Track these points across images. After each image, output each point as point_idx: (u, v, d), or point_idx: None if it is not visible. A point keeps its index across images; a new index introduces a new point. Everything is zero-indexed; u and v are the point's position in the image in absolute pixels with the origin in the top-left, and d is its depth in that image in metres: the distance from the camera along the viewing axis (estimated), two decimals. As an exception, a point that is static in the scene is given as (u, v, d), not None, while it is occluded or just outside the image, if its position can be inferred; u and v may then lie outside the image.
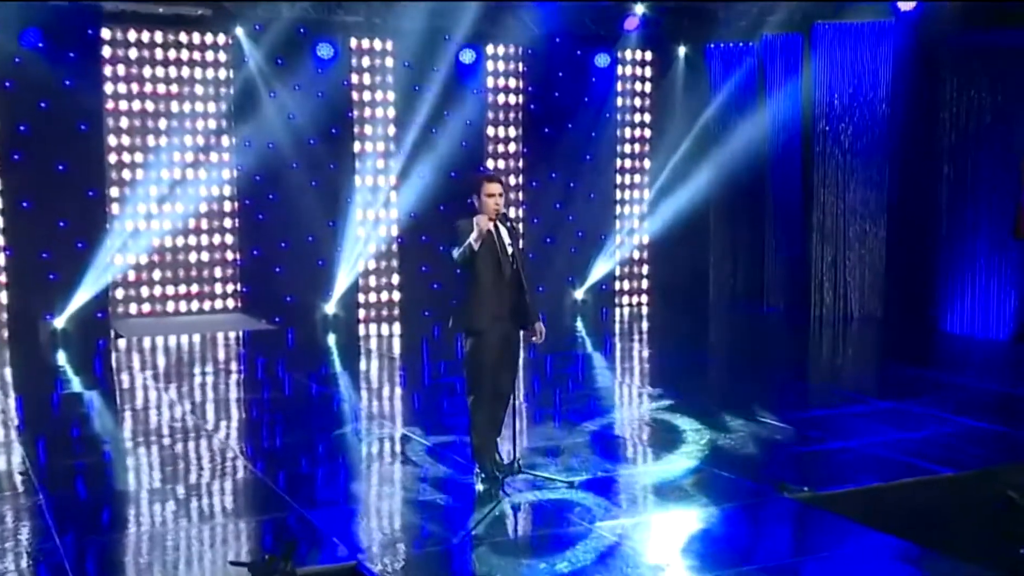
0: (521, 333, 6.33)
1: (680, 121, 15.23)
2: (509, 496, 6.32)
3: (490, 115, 14.47)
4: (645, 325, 14.55)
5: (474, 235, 5.79)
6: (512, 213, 14.44)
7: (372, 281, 14.04)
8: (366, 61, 13.78)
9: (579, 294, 15.15)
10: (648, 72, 15.55)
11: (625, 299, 15.80)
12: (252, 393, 9.79)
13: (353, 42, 13.62)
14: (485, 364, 6.24)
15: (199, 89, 13.35)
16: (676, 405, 8.80)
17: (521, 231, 6.47)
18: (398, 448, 7.64)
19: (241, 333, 12.85)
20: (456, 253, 5.99)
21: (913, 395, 9.17)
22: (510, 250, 6.13)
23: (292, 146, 13.20)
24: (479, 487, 6.44)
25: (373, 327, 13.69)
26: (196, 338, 12.49)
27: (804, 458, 7.34)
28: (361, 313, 13.91)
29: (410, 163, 13.72)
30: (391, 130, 13.82)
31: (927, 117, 12.87)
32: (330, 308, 13.64)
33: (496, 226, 6.13)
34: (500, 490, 6.38)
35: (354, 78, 13.72)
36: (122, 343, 12.24)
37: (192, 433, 8.13)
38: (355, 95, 13.73)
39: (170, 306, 13.43)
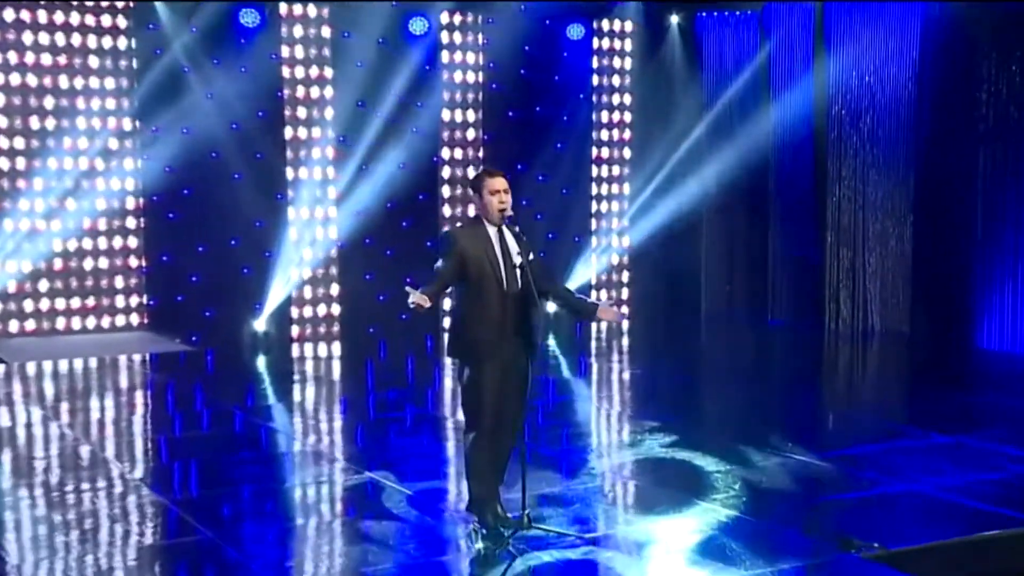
0: (529, 361, 6.08)
1: (668, 103, 15.16)
2: (518, 557, 6.00)
3: (445, 95, 14.20)
4: (628, 342, 14.37)
5: (411, 299, 5.69)
6: (471, 211, 14.21)
7: (308, 292, 13.70)
8: (298, 30, 13.45)
9: (551, 306, 14.52)
10: (629, 45, 15.35)
11: (603, 312, 15.25)
12: (164, 431, 9.45)
13: (283, 8, 13.34)
14: (486, 396, 6.02)
15: (94, 61, 12.95)
16: (690, 440, 8.59)
17: (525, 240, 6.20)
18: (370, 497, 7.28)
19: (148, 355, 12.62)
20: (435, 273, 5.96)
21: (970, 426, 9.05)
22: (518, 260, 5.95)
23: (210, 131, 12.91)
24: (479, 546, 6.12)
25: (309, 347, 13.41)
26: (93, 362, 12.22)
27: (862, 505, 7.05)
28: (295, 330, 13.63)
29: (352, 152, 13.53)
30: (329, 113, 13.54)
31: (961, 98, 12.72)
32: (259, 325, 13.32)
33: (501, 232, 6.00)
34: (506, 550, 6.06)
35: (284, 50, 13.40)
36: (1, 369, 11.91)
37: (89, 484, 7.67)
38: (286, 71, 13.38)
39: (60, 323, 13.06)
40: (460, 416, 9.58)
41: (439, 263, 5.96)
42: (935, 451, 8.30)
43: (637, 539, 6.36)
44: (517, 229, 6.05)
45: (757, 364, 12.66)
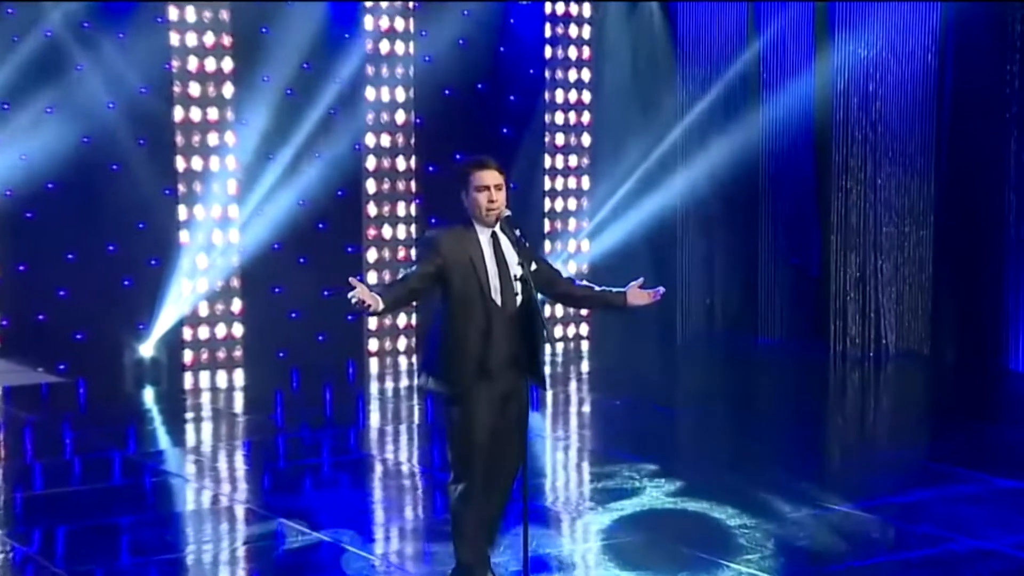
0: (532, 391, 6.19)
1: (637, 80, 15.18)
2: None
3: (369, 70, 13.96)
4: (589, 367, 14.35)
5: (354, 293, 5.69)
6: (401, 210, 14.28)
7: (204, 309, 13.39)
8: (189, -12, 13.38)
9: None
10: (589, 10, 15.33)
11: (558, 330, 15.40)
12: (22, 486, 9.09)
13: (170, -40, 13.28)
14: (477, 440, 5.92)
15: (-73, 21, 12.69)
16: (697, 486, 8.51)
17: (527, 244, 6.25)
18: (296, 564, 7.10)
19: (1, 388, 12.32)
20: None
21: (1034, 467, 9.15)
22: (516, 271, 5.91)
23: (80, 111, 12.53)
24: (470, 625, 6.12)
25: (205, 376, 13.19)
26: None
27: (925, 567, 6.93)
28: (188, 356, 13.33)
29: (256, 139, 13.27)
30: (228, 90, 13.20)
31: (990, 72, 12.63)
32: (145, 350, 13.03)
33: (495, 237, 5.95)
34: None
35: (172, 12, 13.02)
36: None
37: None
38: (174, 37, 12.99)
39: None
40: (390, 456, 9.84)
41: (401, 272, 6.01)
42: (1000, 499, 8.22)
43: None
44: (518, 232, 5.95)
45: (755, 393, 12.58)
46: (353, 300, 5.56)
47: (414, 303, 6.21)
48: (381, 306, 5.63)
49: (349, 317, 12.90)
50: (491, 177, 5.88)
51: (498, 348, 5.88)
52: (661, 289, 6.17)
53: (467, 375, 5.91)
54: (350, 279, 5.61)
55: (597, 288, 6.25)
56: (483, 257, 5.89)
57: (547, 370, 6.35)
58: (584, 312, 15.04)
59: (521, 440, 5.98)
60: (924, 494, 8.28)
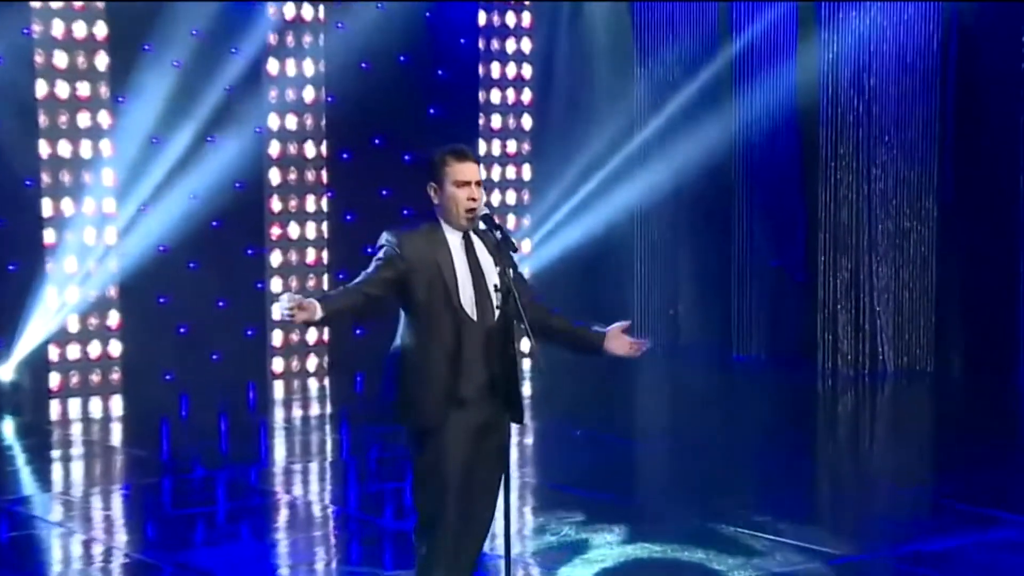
0: (509, 428, 6.08)
1: (588, 51, 15.42)
2: None
3: (271, 39, 13.85)
4: (531, 389, 14.00)
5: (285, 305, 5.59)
6: (311, 205, 14.18)
7: (74, 324, 13.29)
8: (55, -63, 13.19)
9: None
10: None
11: (497, 347, 15.20)
12: None
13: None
14: (449, 482, 5.83)
15: None
16: (682, 532, 8.49)
17: (516, 246, 6.22)
18: None
19: None
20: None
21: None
22: (492, 279, 5.87)
23: None
24: None
25: (76, 404, 13.03)
26: None
27: None
28: (54, 379, 13.19)
29: (137, 119, 13.19)
30: (101, 61, 13.09)
31: (1000, 45, 12.89)
32: (4, 373, 12.93)
33: (467, 240, 5.92)
34: None
35: None
36: None
37: None
38: None
39: None
40: (299, 496, 9.84)
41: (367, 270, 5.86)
42: (1047, 545, 8.39)
43: None
44: (499, 235, 5.88)
45: (734, 420, 12.54)
46: (287, 313, 5.41)
47: (365, 317, 5.91)
48: (319, 314, 5.47)
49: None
50: (473, 171, 5.86)
51: (472, 371, 5.82)
52: (647, 341, 6.05)
53: (436, 404, 5.83)
54: (282, 295, 5.49)
55: (574, 323, 6.12)
56: (453, 263, 5.84)
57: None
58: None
59: (498, 475, 5.91)
60: (958, 540, 8.32)
